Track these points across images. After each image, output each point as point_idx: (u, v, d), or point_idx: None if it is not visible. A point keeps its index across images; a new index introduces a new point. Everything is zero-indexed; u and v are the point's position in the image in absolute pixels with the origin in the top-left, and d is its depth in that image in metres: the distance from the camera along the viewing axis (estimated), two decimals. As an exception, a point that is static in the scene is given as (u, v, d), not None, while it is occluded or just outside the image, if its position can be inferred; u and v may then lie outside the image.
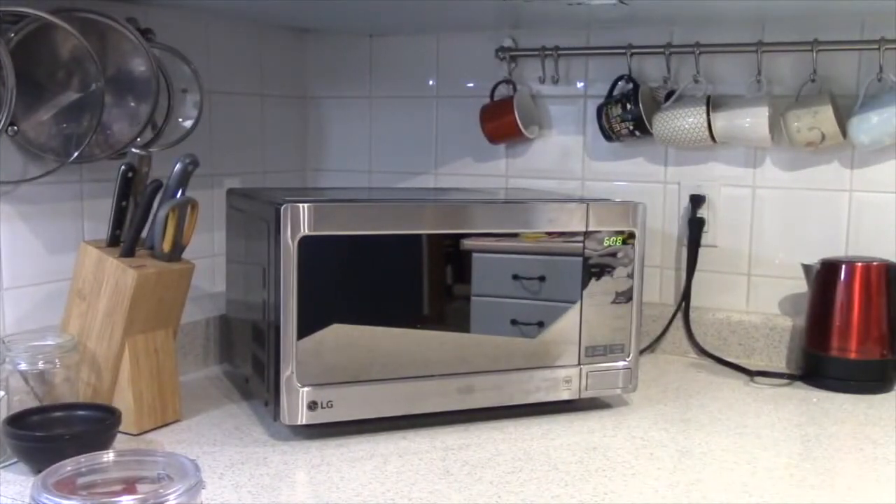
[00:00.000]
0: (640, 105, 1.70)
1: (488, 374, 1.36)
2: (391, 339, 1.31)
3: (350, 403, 1.28)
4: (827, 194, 1.68)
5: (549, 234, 1.38)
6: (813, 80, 1.63)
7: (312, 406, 1.26)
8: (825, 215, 1.68)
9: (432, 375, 1.33)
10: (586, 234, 1.39)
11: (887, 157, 1.62)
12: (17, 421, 1.16)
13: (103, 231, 1.37)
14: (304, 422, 1.26)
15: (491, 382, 1.36)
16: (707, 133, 1.66)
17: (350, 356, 1.28)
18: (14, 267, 1.39)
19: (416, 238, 1.32)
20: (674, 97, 1.72)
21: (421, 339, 1.33)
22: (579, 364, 1.41)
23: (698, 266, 1.77)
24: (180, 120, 1.62)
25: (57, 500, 0.90)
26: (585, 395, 1.42)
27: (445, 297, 1.35)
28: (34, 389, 1.23)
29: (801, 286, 1.66)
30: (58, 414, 1.21)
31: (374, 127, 2.04)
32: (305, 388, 1.25)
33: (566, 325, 1.40)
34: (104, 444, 1.15)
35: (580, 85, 1.84)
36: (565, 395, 1.41)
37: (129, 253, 1.32)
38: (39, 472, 0.97)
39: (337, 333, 1.27)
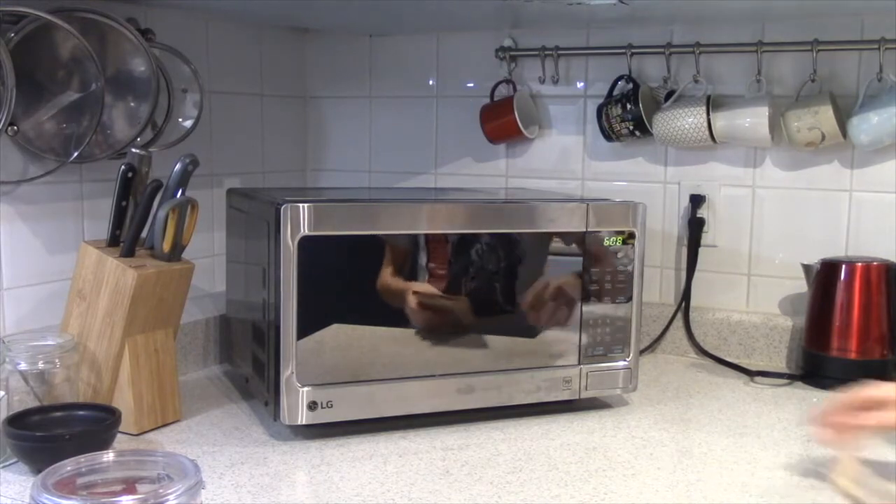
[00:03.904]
0: (640, 105, 1.70)
1: (488, 375, 1.36)
2: (391, 339, 1.31)
3: (350, 403, 1.28)
4: (827, 194, 1.68)
5: (549, 234, 1.38)
6: (813, 80, 1.63)
7: (312, 406, 1.26)
8: (825, 215, 1.68)
9: (432, 375, 1.33)
10: (586, 234, 1.39)
11: (887, 157, 1.62)
12: (17, 421, 1.16)
13: (103, 231, 1.37)
14: (304, 422, 1.26)
15: (491, 382, 1.36)
16: (707, 133, 1.66)
17: (350, 356, 1.28)
18: (14, 267, 1.39)
19: (416, 238, 1.31)
20: (674, 97, 1.72)
21: (420, 340, 1.32)
22: (579, 364, 1.41)
23: (698, 266, 1.77)
24: (180, 120, 1.62)
25: (57, 500, 0.90)
26: (585, 395, 1.42)
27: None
28: (34, 389, 1.23)
29: (801, 286, 1.66)
30: (58, 414, 1.21)
31: (374, 127, 2.04)
32: (305, 388, 1.25)
33: (566, 325, 1.40)
34: (104, 444, 1.15)
35: (580, 85, 1.84)
36: (565, 395, 1.41)
37: (129, 253, 1.32)
38: (39, 472, 0.97)
39: (337, 333, 1.27)
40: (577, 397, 1.42)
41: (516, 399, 1.38)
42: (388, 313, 1.31)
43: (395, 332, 1.31)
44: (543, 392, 1.39)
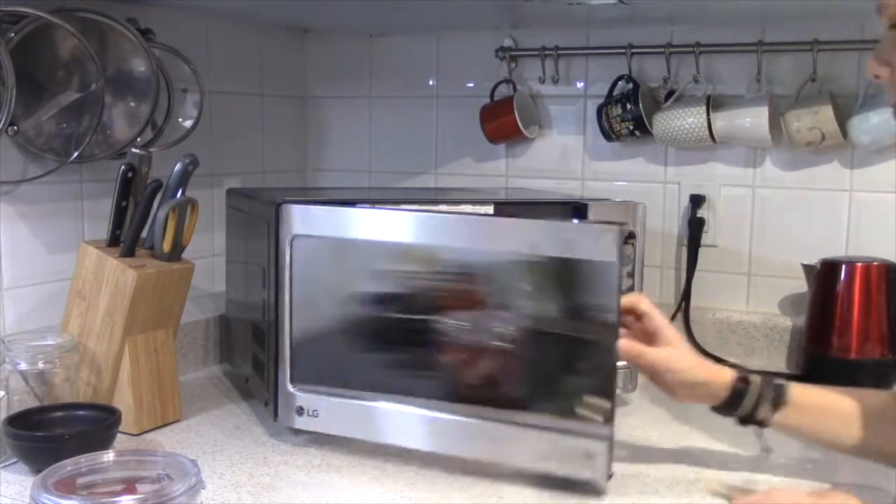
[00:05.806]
0: (640, 105, 1.70)
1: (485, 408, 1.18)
2: (391, 354, 1.25)
3: (337, 417, 1.22)
4: (827, 194, 1.68)
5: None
6: (813, 80, 1.62)
7: (299, 411, 1.24)
8: (825, 215, 1.68)
9: (429, 405, 1.19)
10: (586, 234, 1.38)
11: (887, 157, 1.62)
12: (17, 421, 1.16)
13: (103, 231, 1.37)
14: (294, 426, 1.25)
15: (498, 432, 1.16)
16: (707, 133, 1.66)
17: (343, 367, 1.21)
18: (14, 267, 1.39)
19: (416, 244, 1.29)
20: (674, 97, 1.72)
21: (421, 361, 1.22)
22: (579, 364, 1.40)
23: (698, 266, 1.77)
24: (180, 120, 1.62)
25: (57, 500, 0.90)
26: (585, 395, 1.42)
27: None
28: (34, 389, 1.23)
29: (801, 286, 1.65)
30: (58, 414, 1.21)
31: (374, 127, 2.04)
32: (296, 392, 1.24)
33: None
34: (104, 444, 1.15)
35: (580, 85, 1.84)
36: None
37: (129, 253, 1.32)
38: (39, 472, 0.98)
39: (332, 339, 1.25)
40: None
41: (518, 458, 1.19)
42: (388, 323, 1.25)
43: (397, 346, 1.23)
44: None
